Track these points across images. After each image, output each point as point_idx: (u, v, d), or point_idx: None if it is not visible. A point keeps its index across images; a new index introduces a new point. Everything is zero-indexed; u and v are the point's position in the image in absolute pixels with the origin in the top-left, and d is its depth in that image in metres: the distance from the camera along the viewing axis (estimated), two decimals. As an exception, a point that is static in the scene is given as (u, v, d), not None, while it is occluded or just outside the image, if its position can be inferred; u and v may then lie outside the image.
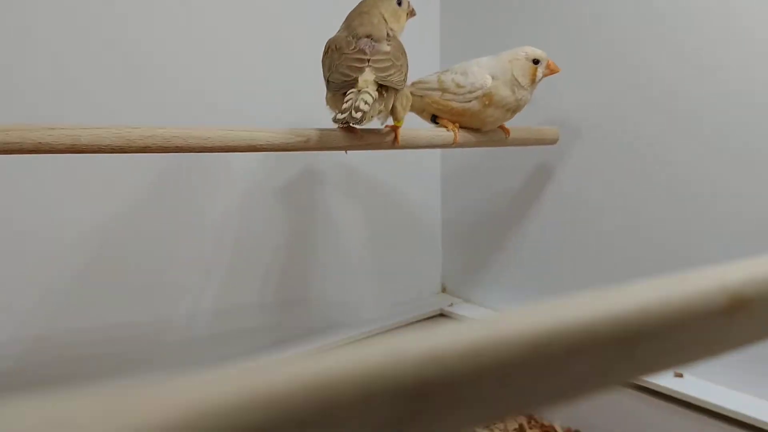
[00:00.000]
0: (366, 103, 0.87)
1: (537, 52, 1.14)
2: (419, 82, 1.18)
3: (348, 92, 0.90)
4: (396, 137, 1.02)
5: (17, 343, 1.05)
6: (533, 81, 1.13)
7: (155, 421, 0.19)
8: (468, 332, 0.25)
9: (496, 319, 0.26)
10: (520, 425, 1.38)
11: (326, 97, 0.98)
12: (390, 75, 0.93)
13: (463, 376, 0.24)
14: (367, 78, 0.92)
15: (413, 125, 1.09)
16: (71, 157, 1.08)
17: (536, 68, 1.13)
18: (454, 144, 1.12)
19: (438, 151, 1.66)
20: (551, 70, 1.15)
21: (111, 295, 1.15)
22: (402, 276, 1.61)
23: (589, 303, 0.27)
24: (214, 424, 0.19)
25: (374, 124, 1.00)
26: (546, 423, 1.39)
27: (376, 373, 0.22)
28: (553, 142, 1.32)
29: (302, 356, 0.22)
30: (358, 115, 0.86)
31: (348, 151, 1.09)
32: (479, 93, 1.11)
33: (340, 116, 0.87)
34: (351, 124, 0.90)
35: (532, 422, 1.40)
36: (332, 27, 1.04)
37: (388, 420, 0.23)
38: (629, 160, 1.27)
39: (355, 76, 0.92)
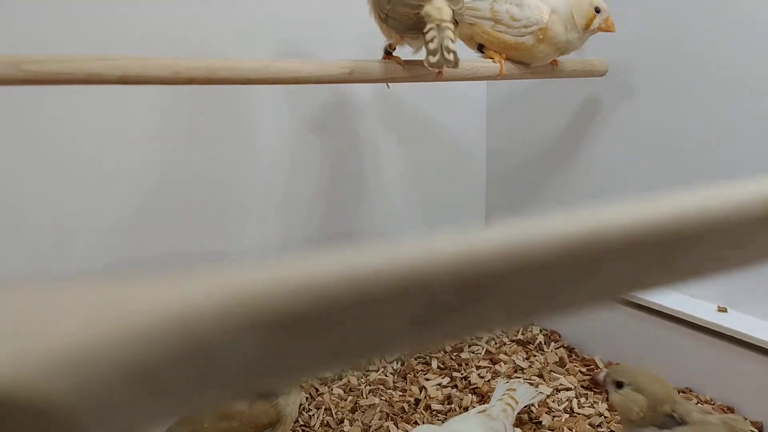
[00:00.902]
0: (452, 40, 0.80)
1: (601, 2, 1.10)
2: (469, 7, 1.10)
3: (428, 28, 0.83)
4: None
5: (85, 274, 1.09)
6: (587, 27, 1.10)
7: (202, 302, 0.20)
8: (505, 233, 0.26)
9: (535, 221, 0.26)
10: (561, 358, 1.39)
11: (384, 32, 0.93)
12: (461, 7, 0.86)
13: (497, 277, 0.25)
14: (439, 5, 0.85)
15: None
16: (130, 94, 1.10)
17: (595, 16, 1.10)
18: (499, 76, 1.11)
19: (483, 82, 1.64)
20: (607, 26, 1.11)
21: (170, 226, 1.18)
22: (445, 210, 1.61)
23: (629, 209, 0.27)
24: (252, 308, 0.20)
25: (417, 56, 0.99)
26: (587, 356, 1.40)
27: (411, 269, 0.23)
28: (601, 74, 1.29)
29: (340, 250, 0.23)
30: (451, 56, 0.79)
31: (390, 85, 1.08)
32: (535, 28, 1.08)
33: (432, 59, 0.79)
34: (445, 68, 0.83)
35: (573, 355, 1.42)
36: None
37: (421, 314, 0.24)
38: (678, 91, 1.24)
39: (423, 4, 0.84)
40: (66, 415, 0.16)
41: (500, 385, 1.23)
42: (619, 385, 0.93)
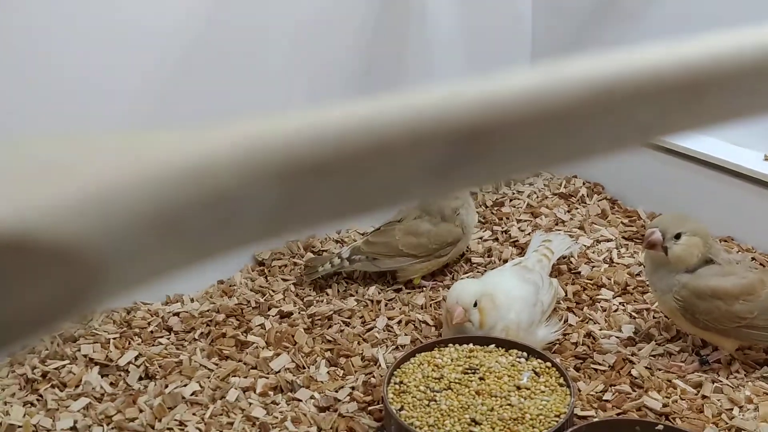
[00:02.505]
0: None
1: None
2: None
3: None
4: None
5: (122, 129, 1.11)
6: None
7: (224, 150, 0.20)
8: (528, 77, 0.25)
9: (559, 64, 0.25)
10: (603, 210, 1.39)
11: None
12: None
13: (521, 121, 0.25)
14: None
15: None
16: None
17: None
18: None
19: None
20: None
21: (206, 85, 1.17)
22: (490, 48, 1.53)
23: (659, 51, 0.26)
24: (273, 157, 0.21)
25: None
26: (629, 208, 1.40)
27: (429, 116, 0.23)
28: None
29: (359, 101, 0.23)
30: None
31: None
32: None
33: None
34: None
35: (616, 207, 1.42)
36: None
37: (441, 161, 0.24)
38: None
39: None
40: (90, 258, 0.17)
41: (536, 237, 1.24)
42: (678, 236, 0.94)
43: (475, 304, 0.97)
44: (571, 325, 1.08)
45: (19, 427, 0.91)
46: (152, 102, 1.14)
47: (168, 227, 0.19)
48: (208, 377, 1.00)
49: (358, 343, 1.07)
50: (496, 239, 1.34)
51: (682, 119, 0.28)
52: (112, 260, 0.18)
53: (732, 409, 0.92)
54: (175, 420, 0.93)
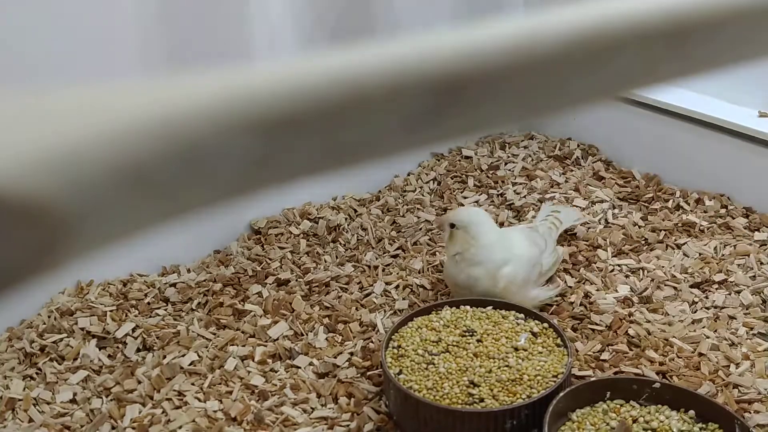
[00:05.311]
0: None
1: None
2: None
3: None
4: None
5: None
6: None
7: (197, 101, 0.20)
8: (507, 26, 0.25)
9: (539, 13, 0.25)
10: (597, 172, 1.39)
11: None
12: None
13: (500, 71, 0.24)
14: None
15: None
16: None
17: None
18: None
19: None
20: None
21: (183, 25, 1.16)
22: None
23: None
24: (245, 107, 0.20)
25: None
26: (624, 169, 1.40)
27: (407, 67, 0.22)
28: None
29: (333, 51, 0.22)
30: None
31: None
32: None
33: None
34: None
35: (610, 168, 1.41)
36: None
37: (421, 112, 0.23)
38: None
39: None
40: (57, 215, 0.17)
41: (545, 208, 1.24)
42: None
43: (453, 226, 0.98)
44: (570, 287, 1.08)
45: (20, 400, 0.92)
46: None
47: (139, 180, 0.19)
48: (206, 347, 1.00)
49: (356, 309, 1.07)
50: (492, 202, 1.33)
51: (666, 67, 0.27)
52: (81, 214, 0.18)
53: (728, 366, 0.92)
54: (174, 390, 0.93)
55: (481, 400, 0.83)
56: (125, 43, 1.09)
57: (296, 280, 1.14)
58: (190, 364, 0.97)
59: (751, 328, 0.98)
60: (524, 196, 1.33)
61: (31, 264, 0.17)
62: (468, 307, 0.97)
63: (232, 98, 0.20)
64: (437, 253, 1.20)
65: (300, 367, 0.96)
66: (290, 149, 0.22)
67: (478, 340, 0.91)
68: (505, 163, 1.45)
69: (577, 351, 0.95)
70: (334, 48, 0.23)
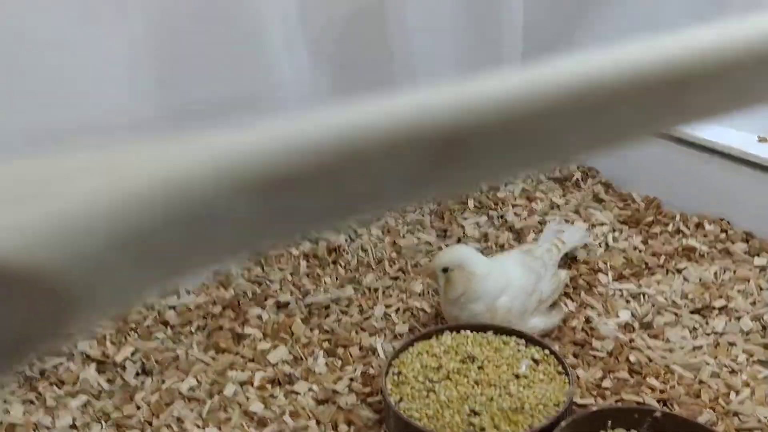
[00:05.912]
0: None
1: None
2: None
3: None
4: None
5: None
6: None
7: (198, 166, 0.20)
8: (504, 81, 0.25)
9: (536, 68, 0.25)
10: (597, 194, 1.39)
11: None
12: None
13: (497, 126, 0.24)
14: None
15: None
16: None
17: None
18: None
19: None
20: None
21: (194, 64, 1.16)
22: (480, 42, 1.52)
23: (638, 49, 0.26)
24: (246, 171, 0.20)
25: None
26: (624, 192, 1.40)
27: (405, 124, 0.23)
28: None
29: (334, 107, 0.22)
30: None
31: None
32: None
33: None
34: None
35: (610, 190, 1.41)
36: None
37: (419, 168, 0.23)
38: None
39: None
40: (62, 283, 0.17)
41: (551, 226, 1.23)
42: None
43: (446, 270, 0.98)
44: (571, 311, 1.08)
45: (21, 426, 0.91)
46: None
47: (143, 247, 0.19)
48: (205, 371, 1.00)
49: (356, 333, 1.07)
50: (492, 224, 1.33)
51: (664, 117, 0.27)
52: (85, 284, 0.18)
53: (729, 394, 0.92)
54: (173, 416, 0.93)
55: (482, 429, 0.83)
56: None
57: (296, 303, 1.14)
58: (189, 390, 0.96)
59: (752, 355, 0.98)
60: (524, 218, 1.33)
61: (40, 334, 0.17)
62: (469, 332, 0.96)
63: (234, 162, 0.20)
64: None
65: (300, 393, 0.96)
66: (292, 207, 0.22)
67: (479, 367, 0.91)
68: (506, 185, 1.45)
69: (578, 378, 0.94)
70: (335, 104, 0.23)
